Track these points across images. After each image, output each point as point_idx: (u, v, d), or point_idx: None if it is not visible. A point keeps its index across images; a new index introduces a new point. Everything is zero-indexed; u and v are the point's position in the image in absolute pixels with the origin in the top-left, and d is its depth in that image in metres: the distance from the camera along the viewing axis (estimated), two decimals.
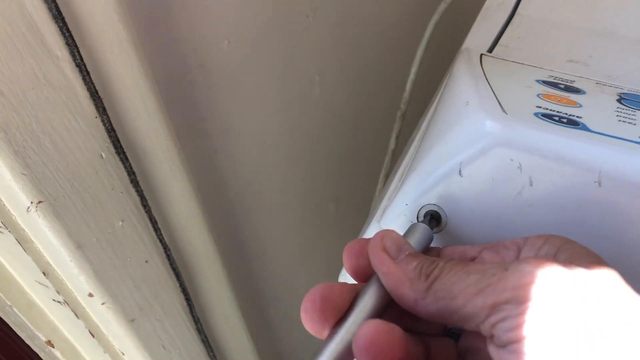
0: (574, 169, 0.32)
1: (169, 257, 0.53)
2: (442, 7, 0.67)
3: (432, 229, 0.35)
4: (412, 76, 0.67)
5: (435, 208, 0.36)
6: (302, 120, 0.71)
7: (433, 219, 0.35)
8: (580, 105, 0.38)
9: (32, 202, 0.40)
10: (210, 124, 0.55)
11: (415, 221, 0.36)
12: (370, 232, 0.39)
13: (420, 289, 0.26)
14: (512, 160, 0.33)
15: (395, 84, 0.79)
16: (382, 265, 0.28)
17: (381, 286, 0.28)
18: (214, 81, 0.54)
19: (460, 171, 0.34)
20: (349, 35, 0.72)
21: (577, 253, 0.26)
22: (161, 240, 0.51)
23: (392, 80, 0.84)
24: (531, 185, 0.33)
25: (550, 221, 0.33)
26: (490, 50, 0.52)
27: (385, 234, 0.29)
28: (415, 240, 0.32)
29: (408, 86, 0.68)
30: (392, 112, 0.72)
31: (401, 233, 0.33)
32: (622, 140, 0.33)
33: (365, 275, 0.30)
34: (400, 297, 0.27)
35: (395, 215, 0.37)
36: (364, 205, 0.89)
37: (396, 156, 0.71)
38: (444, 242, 0.36)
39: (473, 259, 0.30)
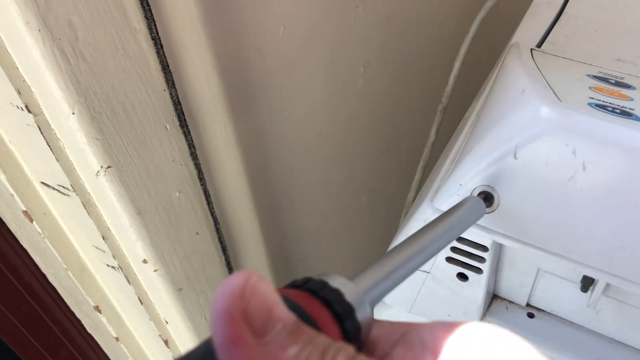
0: (627, 155, 0.33)
1: (217, 230, 0.55)
2: (488, 4, 0.68)
3: (486, 205, 0.37)
4: (455, 71, 0.69)
5: (488, 189, 0.37)
6: (345, 110, 0.73)
7: (486, 199, 0.37)
8: (632, 99, 0.40)
9: (101, 167, 0.42)
10: (261, 106, 0.57)
11: None
12: (421, 212, 0.41)
13: None
14: (566, 145, 0.35)
15: (437, 78, 0.81)
16: (234, 349, 0.15)
17: None
18: (268, 65, 0.56)
19: (515, 154, 0.36)
20: (394, 29, 0.74)
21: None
22: (212, 213, 0.53)
23: (434, 75, 0.86)
24: (584, 170, 0.35)
25: (600, 205, 0.35)
26: (539, 46, 0.53)
27: (247, 284, 0.16)
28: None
29: (451, 80, 0.69)
30: (433, 106, 0.74)
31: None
32: None
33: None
34: None
35: (448, 194, 0.39)
36: (396, 198, 0.91)
37: (435, 149, 0.72)
38: (494, 223, 0.38)
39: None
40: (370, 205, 0.92)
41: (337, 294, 0.19)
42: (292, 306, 0.18)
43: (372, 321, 0.20)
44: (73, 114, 0.38)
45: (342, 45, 0.66)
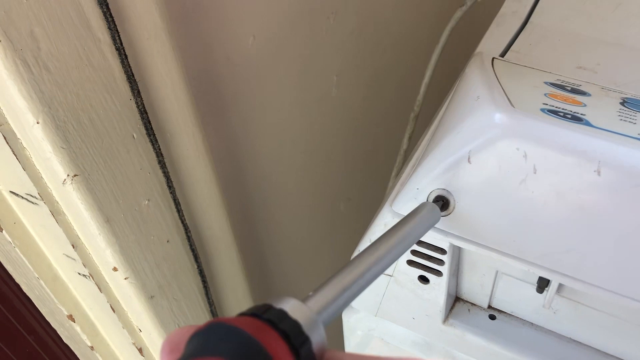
0: (576, 159, 0.35)
1: (189, 238, 0.55)
2: (458, 14, 0.69)
3: (442, 210, 0.38)
4: (426, 79, 0.70)
5: (444, 192, 0.38)
6: (319, 119, 0.74)
7: (442, 202, 0.38)
8: (585, 105, 0.41)
9: (68, 175, 0.43)
10: (232, 115, 0.58)
11: None
12: (381, 217, 0.42)
13: None
14: (518, 149, 0.36)
15: (409, 87, 0.82)
16: None
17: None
18: (238, 74, 0.57)
19: (469, 159, 0.37)
20: (367, 39, 0.75)
21: None
22: (183, 221, 0.54)
23: (406, 83, 0.87)
24: (535, 173, 0.36)
25: (550, 207, 0.36)
26: (503, 55, 0.55)
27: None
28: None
29: (422, 89, 0.70)
30: (406, 114, 0.75)
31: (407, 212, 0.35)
32: (621, 136, 0.36)
33: None
34: None
35: (406, 199, 0.40)
36: (374, 205, 0.91)
37: (408, 157, 0.73)
38: (451, 226, 0.39)
39: None
40: (348, 213, 0.93)
41: (296, 326, 0.20)
42: (248, 339, 0.19)
43: (325, 343, 0.21)
44: (37, 123, 0.39)
45: (315, 54, 0.67)
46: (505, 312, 0.45)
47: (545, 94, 0.42)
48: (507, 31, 0.58)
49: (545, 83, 0.46)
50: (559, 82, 0.46)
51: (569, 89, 0.45)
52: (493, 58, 0.50)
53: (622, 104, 0.43)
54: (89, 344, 0.63)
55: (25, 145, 0.42)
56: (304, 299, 0.23)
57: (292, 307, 0.21)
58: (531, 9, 0.61)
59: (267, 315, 0.20)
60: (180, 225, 0.54)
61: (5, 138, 0.41)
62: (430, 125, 0.52)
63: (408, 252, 0.42)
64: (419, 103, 0.71)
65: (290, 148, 0.71)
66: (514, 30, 0.58)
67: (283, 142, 0.69)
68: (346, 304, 0.25)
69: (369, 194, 0.97)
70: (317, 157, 0.77)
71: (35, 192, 0.45)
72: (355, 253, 0.45)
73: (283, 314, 0.20)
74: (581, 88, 0.46)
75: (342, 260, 0.96)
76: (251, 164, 0.65)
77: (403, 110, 0.82)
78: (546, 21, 0.59)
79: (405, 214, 0.40)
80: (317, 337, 0.21)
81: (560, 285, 0.39)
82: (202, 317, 0.62)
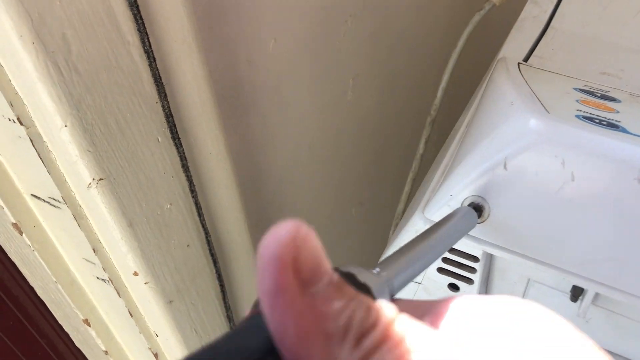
0: (615, 166, 0.34)
1: (209, 242, 0.55)
2: (475, 18, 0.69)
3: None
4: (443, 84, 0.70)
5: (479, 199, 0.38)
6: (335, 123, 0.73)
7: (476, 209, 0.37)
8: (618, 112, 0.41)
9: (93, 179, 0.42)
10: (252, 118, 0.58)
11: None
12: (413, 223, 0.41)
13: (340, 358, 0.15)
14: (556, 156, 0.35)
15: (425, 91, 0.82)
16: (280, 295, 0.15)
17: (263, 333, 0.16)
18: (259, 78, 0.56)
19: (505, 165, 0.37)
20: (384, 42, 0.75)
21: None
22: (203, 225, 0.53)
23: (422, 88, 0.87)
24: (573, 180, 0.35)
25: (588, 215, 0.35)
26: (526, 60, 0.54)
27: (297, 233, 0.15)
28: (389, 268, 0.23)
29: (439, 93, 0.70)
30: (422, 119, 0.75)
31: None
32: None
33: None
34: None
35: (439, 205, 0.39)
36: (385, 210, 0.91)
37: (424, 161, 0.73)
38: (485, 233, 0.38)
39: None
40: (360, 218, 0.93)
41: (365, 288, 0.19)
42: None
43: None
44: (65, 126, 0.39)
45: (332, 58, 0.67)
46: None
47: (577, 100, 0.42)
48: (528, 36, 0.58)
49: (575, 89, 0.45)
50: (587, 88, 0.46)
51: (599, 95, 0.44)
52: (519, 63, 0.50)
53: None
54: (104, 349, 0.62)
55: (51, 149, 0.41)
56: (375, 267, 0.23)
57: (360, 272, 0.20)
58: (552, 14, 0.60)
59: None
60: (201, 229, 0.54)
61: (31, 141, 0.40)
62: (454, 132, 0.52)
63: (439, 260, 0.41)
64: (435, 107, 0.71)
65: (306, 151, 0.70)
66: (535, 35, 0.58)
67: (299, 146, 0.68)
68: (412, 278, 0.25)
69: (380, 199, 0.96)
70: (331, 161, 0.77)
71: (58, 196, 0.44)
72: (382, 258, 0.45)
73: (352, 277, 0.20)
74: (610, 94, 0.45)
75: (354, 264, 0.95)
76: (268, 167, 0.64)
77: (418, 115, 0.82)
78: (567, 26, 0.59)
79: (438, 220, 0.40)
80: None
81: (596, 294, 0.38)
82: (218, 323, 0.62)
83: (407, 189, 0.73)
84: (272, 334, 0.15)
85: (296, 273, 0.15)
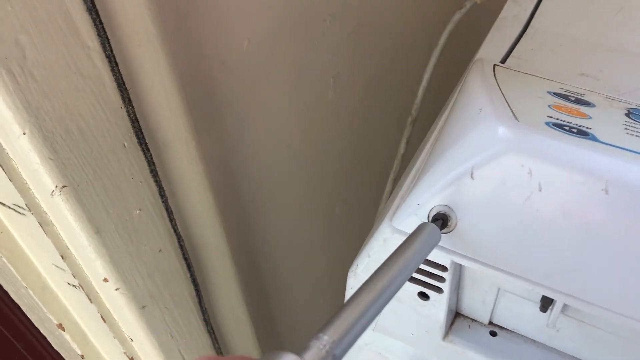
0: (583, 177, 0.33)
1: (181, 247, 0.54)
2: (456, 17, 0.68)
3: (441, 229, 0.36)
4: (424, 83, 0.69)
5: (445, 209, 0.37)
6: (315, 122, 0.72)
7: (440, 221, 0.37)
8: (590, 117, 0.40)
9: (56, 186, 0.41)
10: (226, 120, 0.57)
11: (426, 220, 0.38)
12: (381, 232, 0.41)
13: None
14: (522, 165, 0.35)
15: (407, 90, 0.81)
16: None
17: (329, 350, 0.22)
18: (233, 79, 0.55)
19: (472, 174, 0.36)
20: (364, 41, 0.74)
21: None
22: (175, 230, 0.53)
23: (404, 87, 0.86)
24: (540, 190, 0.34)
25: (555, 226, 0.34)
26: (503, 61, 0.54)
27: None
28: None
29: (420, 92, 0.69)
30: (403, 118, 0.74)
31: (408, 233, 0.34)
32: (629, 152, 0.34)
33: None
34: None
35: (406, 214, 0.39)
36: (370, 209, 0.90)
37: (406, 161, 0.72)
38: (453, 243, 0.37)
39: None
40: (344, 217, 0.92)
41: None
42: None
43: None
44: (24, 134, 0.38)
45: (311, 57, 0.66)
46: (507, 329, 0.44)
47: (549, 106, 0.41)
48: (507, 36, 0.57)
49: (549, 93, 0.44)
50: (562, 92, 0.45)
51: (573, 99, 0.44)
52: (494, 65, 0.49)
53: (627, 115, 0.42)
54: (80, 353, 0.62)
55: (11, 156, 0.40)
56: (301, 351, 0.22)
57: None
58: (532, 13, 0.59)
59: None
60: (173, 234, 0.53)
61: None
62: (430, 133, 0.51)
63: None
64: (416, 107, 0.70)
65: (286, 152, 0.69)
66: (514, 35, 0.57)
67: (279, 146, 0.67)
68: (357, 337, 0.24)
69: (364, 197, 0.95)
70: (313, 160, 0.76)
71: (22, 203, 0.44)
72: (353, 267, 0.44)
73: None
74: (585, 98, 0.44)
75: (339, 263, 0.95)
76: (246, 169, 0.63)
77: (400, 114, 0.81)
78: (547, 26, 0.58)
79: (405, 229, 0.39)
80: None
81: (565, 305, 0.38)
82: (195, 326, 0.61)
83: (388, 188, 0.72)
84: None
85: None
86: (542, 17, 0.59)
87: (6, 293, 0.56)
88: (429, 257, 0.39)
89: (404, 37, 0.83)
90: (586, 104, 0.43)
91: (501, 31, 0.58)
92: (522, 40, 0.57)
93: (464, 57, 0.69)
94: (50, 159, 0.40)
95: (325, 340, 0.22)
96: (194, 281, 0.58)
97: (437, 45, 0.68)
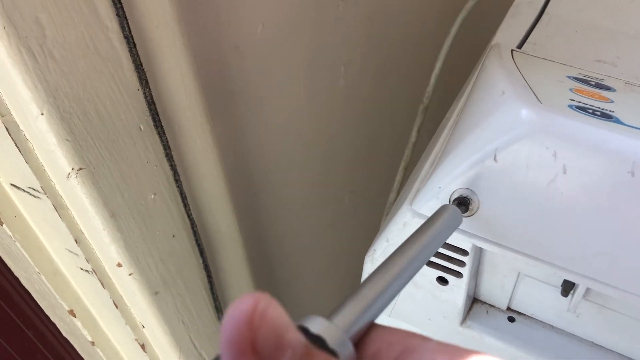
0: (608, 159, 0.33)
1: (195, 233, 0.54)
2: (470, 4, 0.68)
3: (462, 212, 0.36)
4: (436, 70, 0.68)
5: (467, 192, 0.37)
6: (326, 110, 0.72)
7: (462, 205, 0.36)
8: (612, 101, 0.39)
9: (72, 169, 0.41)
10: (239, 105, 0.56)
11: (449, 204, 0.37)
12: (401, 216, 0.40)
13: None
14: (547, 148, 0.34)
15: (418, 78, 0.80)
16: None
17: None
18: (247, 63, 0.55)
19: (495, 157, 0.35)
20: (376, 28, 0.73)
21: None
22: (189, 216, 0.52)
23: (416, 75, 0.85)
24: (565, 173, 0.34)
25: (580, 209, 0.34)
26: (520, 46, 0.53)
27: (255, 311, 0.15)
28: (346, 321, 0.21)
29: (432, 80, 0.69)
30: (415, 106, 0.73)
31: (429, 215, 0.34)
32: None
33: None
34: None
35: (427, 197, 0.38)
36: (379, 198, 0.90)
37: (417, 149, 0.71)
38: (474, 227, 0.37)
39: None
40: (352, 206, 0.92)
41: (320, 341, 0.19)
42: None
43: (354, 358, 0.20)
44: (42, 114, 0.37)
45: (323, 44, 0.65)
46: (525, 315, 0.44)
47: (570, 89, 0.41)
48: (523, 22, 0.57)
49: (569, 77, 0.44)
50: (582, 77, 0.45)
51: (593, 83, 0.43)
52: (512, 50, 0.49)
53: None
54: (90, 339, 0.62)
55: (28, 137, 0.40)
56: (329, 315, 0.21)
57: (316, 324, 0.20)
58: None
59: None
60: (187, 219, 0.52)
61: (7, 130, 0.39)
62: (447, 119, 0.51)
63: None
64: (428, 95, 0.69)
65: (296, 139, 0.69)
66: (530, 21, 0.57)
67: (290, 133, 0.67)
68: (373, 318, 0.24)
69: (373, 187, 0.95)
70: (322, 148, 0.75)
71: (37, 186, 0.43)
72: (370, 252, 0.44)
73: (306, 332, 0.19)
74: (605, 83, 0.44)
75: (346, 253, 0.95)
76: (257, 155, 0.63)
77: (411, 102, 0.80)
78: (562, 12, 0.57)
79: (426, 213, 0.39)
80: (346, 352, 0.20)
81: (587, 289, 0.37)
82: (206, 314, 0.61)
83: (399, 177, 0.72)
84: None
85: (257, 355, 0.15)
86: (557, 4, 0.58)
87: (17, 279, 0.55)
88: (450, 241, 0.39)
89: (416, 25, 0.83)
90: (607, 88, 0.43)
91: (516, 18, 0.58)
92: (537, 26, 0.56)
93: (477, 45, 0.68)
94: (67, 140, 0.39)
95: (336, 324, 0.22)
96: (206, 267, 0.58)
97: (449, 32, 0.67)
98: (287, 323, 0.16)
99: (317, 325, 0.20)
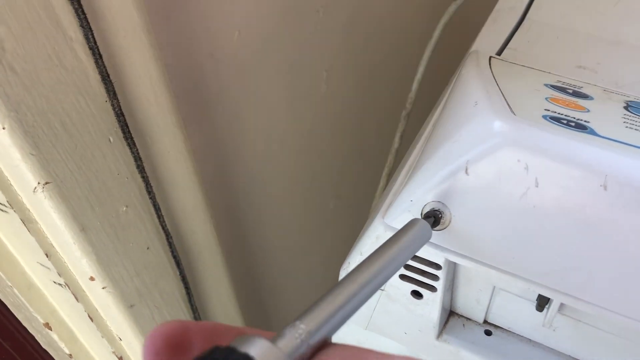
0: (581, 172, 0.32)
1: (170, 244, 0.53)
2: (451, 8, 0.67)
3: (433, 227, 0.35)
4: (418, 76, 0.68)
5: (439, 205, 0.36)
6: (308, 116, 0.71)
7: (433, 218, 0.35)
8: (588, 110, 0.39)
9: (39, 183, 0.40)
10: (217, 114, 0.56)
11: (420, 217, 0.37)
12: (373, 229, 0.39)
13: None
14: (519, 160, 0.34)
15: (401, 83, 0.80)
16: None
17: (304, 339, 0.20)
18: (223, 72, 0.54)
19: (466, 169, 0.35)
20: (357, 33, 0.72)
21: None
22: (163, 227, 0.51)
23: (398, 80, 0.85)
24: (537, 186, 0.33)
25: (553, 223, 0.33)
26: (499, 53, 0.52)
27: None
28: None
29: (414, 86, 0.68)
30: (397, 112, 0.72)
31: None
32: (629, 146, 0.33)
33: None
34: None
35: (399, 211, 0.37)
36: (364, 203, 0.89)
37: (400, 155, 0.71)
38: (447, 240, 0.36)
39: None
40: (337, 212, 0.91)
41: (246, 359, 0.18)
42: None
43: None
44: (4, 129, 0.36)
45: (304, 50, 0.64)
46: (502, 328, 0.43)
47: (546, 98, 0.40)
48: (503, 28, 0.56)
49: (546, 85, 0.43)
50: (559, 84, 0.44)
51: (571, 91, 0.42)
52: (490, 57, 0.48)
53: (625, 108, 0.41)
54: (68, 352, 0.61)
55: None
56: (275, 338, 0.20)
57: (259, 350, 0.19)
58: (528, 5, 0.58)
59: (212, 356, 0.18)
60: (161, 231, 0.51)
61: None
62: (424, 127, 0.50)
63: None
64: (410, 100, 0.69)
65: (278, 146, 0.68)
66: (510, 27, 0.56)
67: (270, 141, 0.66)
68: (327, 335, 0.23)
69: (358, 192, 0.94)
70: (306, 155, 0.75)
71: (4, 200, 0.42)
72: (345, 265, 0.43)
73: (230, 350, 0.18)
74: (583, 90, 0.43)
75: (331, 259, 0.94)
76: (237, 164, 0.62)
77: (394, 107, 0.79)
78: (544, 17, 0.57)
79: (398, 226, 0.38)
80: None
81: (562, 304, 0.37)
82: None
83: (382, 184, 0.71)
84: None
85: None
86: (538, 9, 0.58)
87: None
88: (422, 255, 0.38)
89: (398, 30, 0.82)
90: (584, 96, 0.42)
91: (497, 23, 0.57)
92: (518, 32, 0.56)
93: (459, 49, 0.68)
94: (32, 154, 0.38)
95: (301, 329, 0.21)
96: (184, 279, 0.57)
97: (431, 37, 0.67)
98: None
99: (254, 346, 0.19)
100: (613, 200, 0.32)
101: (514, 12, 0.58)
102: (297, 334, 0.20)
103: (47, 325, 0.57)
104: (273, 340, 0.20)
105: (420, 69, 0.67)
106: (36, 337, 0.62)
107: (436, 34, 0.67)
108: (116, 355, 0.59)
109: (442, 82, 0.62)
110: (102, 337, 0.56)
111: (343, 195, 0.90)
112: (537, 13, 0.57)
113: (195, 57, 0.50)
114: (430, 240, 0.35)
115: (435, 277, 0.39)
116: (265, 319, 0.82)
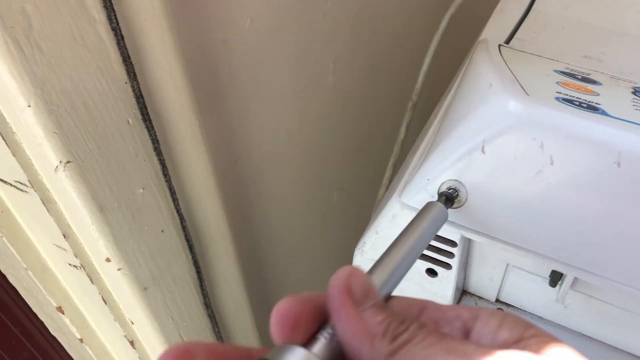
0: (595, 150, 0.33)
1: (184, 228, 0.54)
2: (458, 0, 0.68)
3: (447, 207, 0.36)
4: (424, 67, 0.69)
5: (455, 184, 0.37)
6: (315, 107, 0.72)
7: (448, 200, 0.36)
8: (598, 94, 0.40)
9: (60, 162, 0.41)
10: (229, 100, 0.56)
11: (436, 196, 0.38)
12: (390, 208, 0.40)
13: (382, 351, 0.22)
14: (534, 139, 0.35)
15: (407, 74, 0.81)
16: (342, 310, 0.23)
17: (333, 337, 0.23)
18: (235, 58, 0.55)
19: (483, 148, 0.36)
20: (365, 24, 0.73)
21: (544, 342, 0.22)
22: (178, 211, 0.52)
23: (404, 71, 0.86)
24: (552, 164, 0.34)
25: (567, 199, 0.34)
26: (507, 42, 0.53)
27: (352, 272, 0.24)
28: (384, 282, 0.27)
29: (420, 77, 0.69)
30: (403, 103, 0.73)
31: (418, 208, 0.34)
32: None
33: None
34: (355, 353, 0.22)
35: (416, 189, 0.38)
36: (367, 195, 0.90)
37: (406, 146, 0.72)
38: (463, 218, 0.37)
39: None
40: (341, 203, 0.92)
41: None
42: None
43: None
44: (29, 106, 0.37)
45: (312, 40, 0.65)
46: (514, 306, 0.44)
47: (557, 82, 0.41)
48: (510, 18, 0.57)
49: (555, 71, 0.44)
50: (568, 71, 0.45)
51: (580, 77, 0.44)
52: (499, 45, 0.49)
53: (634, 93, 0.42)
54: (78, 336, 0.61)
55: (15, 130, 0.40)
56: (311, 342, 0.22)
57: (293, 355, 0.21)
58: None
59: None
60: (176, 214, 0.52)
61: None
62: (435, 114, 0.51)
63: None
64: (417, 91, 0.70)
65: (286, 135, 0.69)
66: (517, 18, 0.57)
67: (278, 129, 0.67)
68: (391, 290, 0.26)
69: (362, 184, 0.95)
70: (311, 145, 0.76)
71: (25, 180, 0.43)
72: (360, 245, 0.44)
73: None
74: (591, 77, 0.44)
75: (336, 249, 0.95)
76: (246, 151, 0.63)
77: (400, 99, 0.80)
78: (549, 8, 0.58)
79: (415, 205, 0.39)
80: None
81: (575, 279, 0.38)
82: (195, 310, 0.61)
83: (388, 173, 0.72)
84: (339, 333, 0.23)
85: (350, 296, 0.23)
86: (544, 1, 0.59)
87: (3, 276, 0.55)
88: (438, 233, 0.39)
89: (405, 21, 0.83)
90: (593, 82, 0.43)
91: (504, 14, 0.58)
92: (524, 22, 0.57)
93: (465, 41, 0.69)
94: (55, 133, 0.39)
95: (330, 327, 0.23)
96: (196, 263, 0.57)
97: (438, 29, 0.68)
98: (371, 285, 0.24)
99: (293, 355, 0.21)
100: (626, 177, 0.33)
101: (520, 3, 0.59)
102: (328, 334, 0.23)
103: (59, 309, 0.58)
104: (308, 346, 0.22)
105: (427, 60, 0.68)
106: (45, 323, 0.62)
107: (442, 25, 0.68)
108: (127, 339, 0.59)
109: (448, 73, 0.63)
110: (115, 320, 0.57)
111: (347, 187, 0.91)
112: (542, 4, 0.58)
113: (209, 43, 0.51)
114: None
115: (450, 255, 0.40)
116: (271, 306, 0.83)
